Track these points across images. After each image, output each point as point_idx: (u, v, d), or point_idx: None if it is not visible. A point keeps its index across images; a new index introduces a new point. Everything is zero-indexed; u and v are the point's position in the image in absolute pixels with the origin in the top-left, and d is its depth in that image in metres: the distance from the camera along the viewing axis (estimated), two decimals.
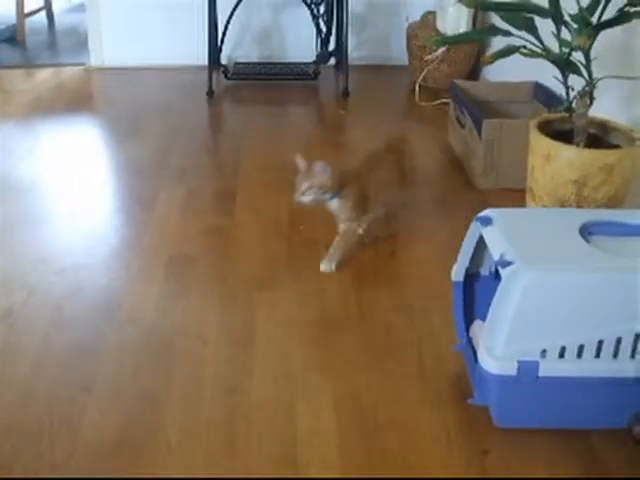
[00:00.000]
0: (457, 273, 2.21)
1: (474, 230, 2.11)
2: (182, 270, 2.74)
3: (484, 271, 2.22)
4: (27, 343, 2.34)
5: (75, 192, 3.37)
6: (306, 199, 2.66)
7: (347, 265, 2.77)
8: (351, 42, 4.73)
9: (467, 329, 2.20)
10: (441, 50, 4.54)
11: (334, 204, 2.74)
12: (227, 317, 2.48)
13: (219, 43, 4.67)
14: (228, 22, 4.59)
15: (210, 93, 4.61)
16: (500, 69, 4.14)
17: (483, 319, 2.06)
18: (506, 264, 1.83)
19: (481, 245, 2.12)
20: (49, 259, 2.80)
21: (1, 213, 3.16)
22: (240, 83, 4.88)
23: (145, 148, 3.85)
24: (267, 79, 4.89)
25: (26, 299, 2.55)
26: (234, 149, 3.88)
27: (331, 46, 4.85)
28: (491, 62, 2.57)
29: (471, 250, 2.15)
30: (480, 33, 3.63)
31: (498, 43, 2.67)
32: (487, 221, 2.03)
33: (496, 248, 1.92)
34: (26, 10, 6.19)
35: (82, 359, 2.27)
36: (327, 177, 2.64)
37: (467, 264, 2.18)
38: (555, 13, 2.43)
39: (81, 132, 4.25)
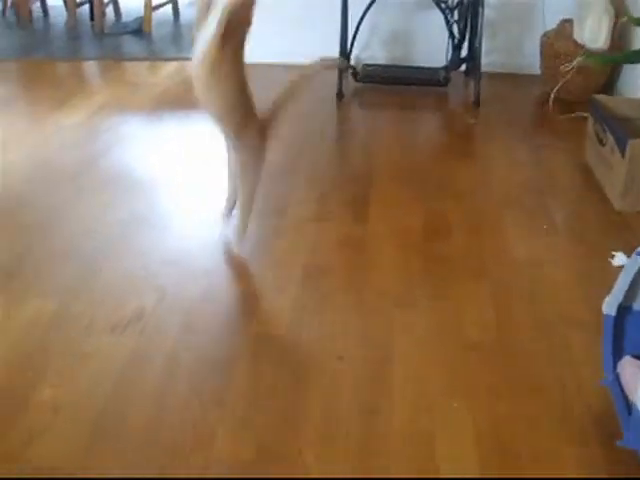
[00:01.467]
0: (609, 306, 2.10)
1: (633, 264, 2.01)
2: (316, 281, 2.69)
3: (637, 306, 2.11)
4: (158, 349, 2.32)
5: (204, 192, 3.35)
6: None
7: (485, 283, 2.69)
8: (483, 48, 4.61)
9: (615, 364, 2.10)
10: (577, 61, 4.40)
11: None
12: (363, 333, 2.42)
13: (349, 44, 4.61)
14: (360, 23, 4.51)
15: (340, 95, 4.56)
16: (637, 82, 4.01)
17: (633, 354, 1.97)
18: None
19: (636, 279, 2.02)
20: (180, 261, 2.78)
21: (129, 210, 3.15)
22: (369, 86, 4.80)
23: (274, 150, 3.77)
24: (397, 83, 4.80)
25: (157, 302, 2.54)
26: (364, 154, 3.83)
27: (462, 52, 4.74)
28: None
29: (628, 284, 2.05)
30: None
31: None
32: None
33: None
34: (154, 3, 6.25)
35: (214, 371, 2.24)
36: None
37: (621, 298, 2.08)
38: None
39: (209, 130, 4.24)
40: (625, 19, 4.12)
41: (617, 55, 3.85)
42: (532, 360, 2.31)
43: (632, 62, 4.17)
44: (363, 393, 2.15)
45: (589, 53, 4.31)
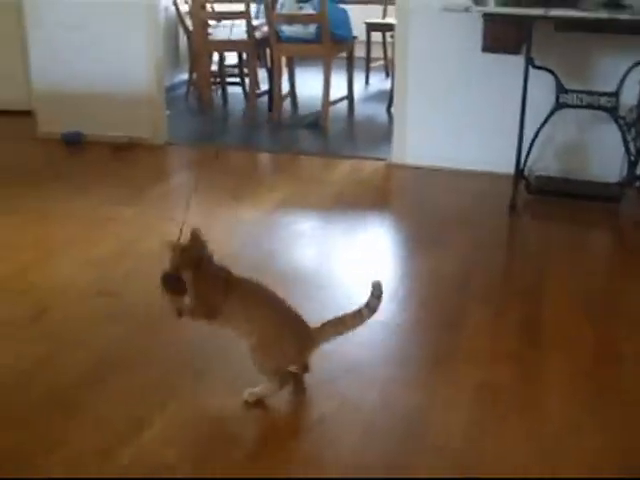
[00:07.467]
0: None
1: None
2: (490, 398, 2.73)
3: None
4: (337, 455, 2.42)
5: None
6: None
7: None
8: None
9: None
10: None
11: None
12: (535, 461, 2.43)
13: (524, 156, 4.64)
14: (536, 135, 4.55)
15: (513, 207, 4.57)
16: None
17: None
18: None
19: None
20: (357, 369, 2.88)
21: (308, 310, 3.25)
22: (539, 197, 4.78)
23: (445, 261, 3.84)
24: (569, 197, 4.78)
25: (338, 408, 2.64)
26: (537, 271, 3.81)
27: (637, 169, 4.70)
28: None
29: None
30: None
31: None
32: None
33: None
34: (331, 98, 6.47)
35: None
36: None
37: None
38: None
39: (380, 234, 4.34)
40: None
41: None
42: None
43: None
44: None
45: None
